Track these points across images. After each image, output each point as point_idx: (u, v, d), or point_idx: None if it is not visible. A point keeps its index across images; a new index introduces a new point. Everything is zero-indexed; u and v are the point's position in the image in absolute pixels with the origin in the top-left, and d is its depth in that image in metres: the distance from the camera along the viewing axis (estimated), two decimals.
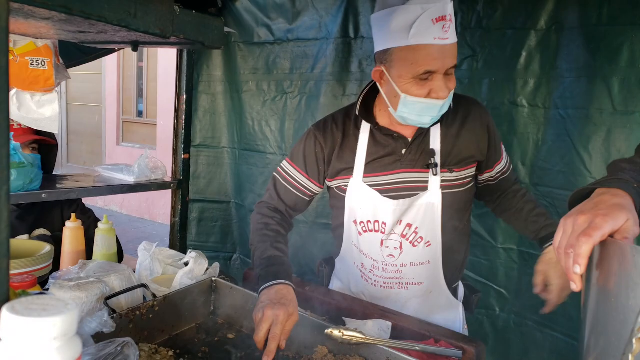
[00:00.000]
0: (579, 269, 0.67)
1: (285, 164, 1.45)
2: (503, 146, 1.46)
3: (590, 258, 0.68)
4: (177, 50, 1.70)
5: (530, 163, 1.98)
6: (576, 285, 0.69)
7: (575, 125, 1.84)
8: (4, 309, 0.38)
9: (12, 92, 1.51)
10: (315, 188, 1.44)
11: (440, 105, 1.21)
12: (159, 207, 6.91)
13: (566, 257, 0.69)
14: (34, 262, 1.15)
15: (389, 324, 1.32)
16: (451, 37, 1.15)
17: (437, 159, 1.31)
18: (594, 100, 1.75)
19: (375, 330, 1.32)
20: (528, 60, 1.92)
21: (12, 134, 1.37)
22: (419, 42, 1.14)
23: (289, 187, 1.43)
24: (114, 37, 0.83)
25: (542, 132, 1.94)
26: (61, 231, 1.77)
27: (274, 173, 1.47)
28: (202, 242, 2.67)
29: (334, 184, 1.42)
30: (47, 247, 1.23)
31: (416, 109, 1.22)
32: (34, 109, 1.49)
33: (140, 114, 7.81)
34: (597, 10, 1.71)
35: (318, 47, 2.31)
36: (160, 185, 1.73)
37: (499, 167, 1.43)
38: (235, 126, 2.60)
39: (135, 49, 0.95)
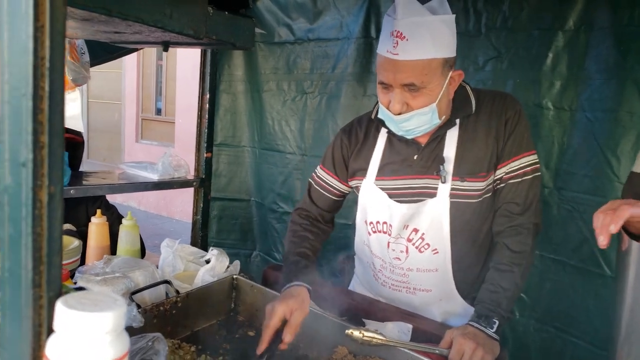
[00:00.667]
0: (614, 228, 0.80)
1: (317, 169, 1.52)
2: (533, 155, 1.30)
3: (627, 265, 0.69)
4: (201, 50, 1.72)
5: (555, 167, 1.94)
6: (604, 239, 0.82)
7: (603, 129, 1.79)
8: (59, 302, 0.40)
9: None
10: (345, 188, 1.50)
11: (397, 119, 1.21)
12: (177, 204, 6.99)
13: (605, 216, 0.83)
14: (64, 256, 1.17)
15: (410, 326, 1.31)
16: (402, 54, 1.13)
17: (449, 166, 1.28)
18: (624, 103, 1.71)
19: (395, 332, 1.31)
20: (555, 62, 1.89)
21: None
22: (378, 51, 1.21)
23: (321, 190, 1.50)
24: (148, 38, 0.84)
25: (568, 135, 1.90)
26: (86, 227, 1.80)
27: (309, 179, 1.55)
28: (223, 239, 2.69)
29: (352, 183, 1.46)
30: (76, 242, 1.26)
31: (384, 116, 1.26)
32: None
33: (159, 111, 7.90)
34: (628, 10, 1.67)
35: (339, 47, 2.31)
36: (183, 184, 1.75)
37: (512, 165, 1.27)
38: (255, 125, 2.62)
39: (166, 49, 0.96)
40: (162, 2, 0.70)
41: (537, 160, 1.32)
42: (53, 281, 0.41)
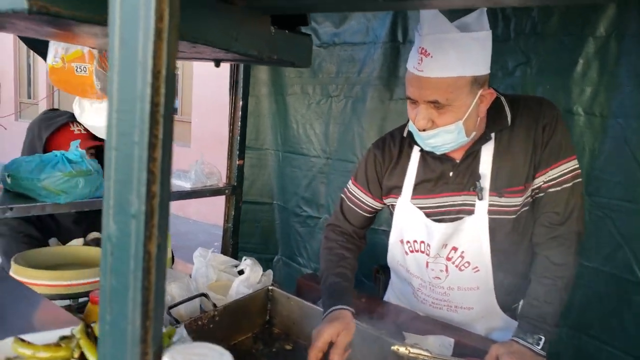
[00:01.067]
0: None
1: (350, 184, 1.48)
2: (572, 161, 1.26)
3: None
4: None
5: (586, 173, 1.91)
6: None
7: (635, 135, 1.76)
8: (166, 358, 0.38)
9: (76, 99, 1.53)
10: (378, 205, 1.45)
11: (422, 135, 1.20)
12: (193, 204, 6.97)
13: None
14: None
15: (451, 340, 1.30)
16: (426, 71, 1.11)
17: (486, 182, 1.24)
18: None
19: (436, 345, 1.30)
20: (585, 68, 1.86)
21: (79, 141, 1.39)
22: (407, 66, 1.20)
23: (353, 207, 1.45)
24: (205, 56, 0.82)
25: (599, 141, 1.88)
26: None
27: (341, 194, 1.51)
28: (244, 243, 2.67)
29: (387, 201, 1.43)
30: None
31: (412, 130, 1.24)
32: (93, 115, 1.50)
33: (174, 111, 7.82)
34: None
35: (365, 51, 2.28)
36: (215, 192, 1.73)
37: (551, 173, 1.23)
38: (279, 128, 2.60)
39: (217, 65, 0.95)
40: (229, 25, 0.68)
41: (578, 165, 1.28)
42: (157, 335, 0.40)
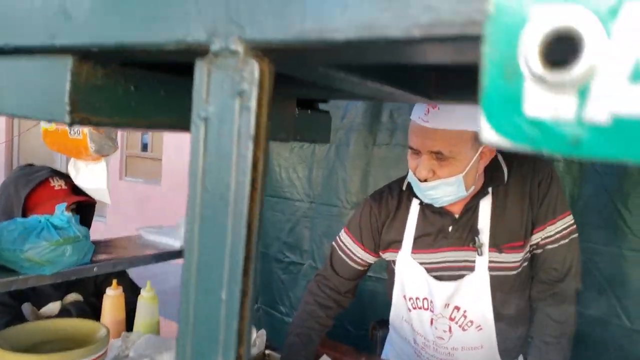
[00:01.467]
0: None
1: (342, 234, 1.44)
2: (568, 216, 1.28)
3: None
4: None
5: None
6: None
7: (613, 181, 1.84)
8: None
9: (72, 160, 1.46)
10: (371, 259, 1.42)
11: (422, 187, 1.20)
12: None
13: None
14: (96, 349, 1.06)
15: None
16: (432, 122, 1.13)
17: (485, 237, 1.25)
18: None
19: None
20: None
21: (65, 205, 1.30)
22: (411, 117, 1.21)
23: (344, 257, 1.42)
24: None
25: (579, 187, 1.95)
26: (95, 296, 1.68)
27: (333, 243, 1.46)
28: None
29: (385, 256, 1.40)
30: (103, 330, 1.15)
31: (412, 180, 1.24)
32: (89, 176, 1.43)
33: (145, 147, 7.56)
34: None
35: None
36: None
37: (548, 230, 1.26)
38: None
39: None
40: None
41: (573, 221, 1.30)
42: None
